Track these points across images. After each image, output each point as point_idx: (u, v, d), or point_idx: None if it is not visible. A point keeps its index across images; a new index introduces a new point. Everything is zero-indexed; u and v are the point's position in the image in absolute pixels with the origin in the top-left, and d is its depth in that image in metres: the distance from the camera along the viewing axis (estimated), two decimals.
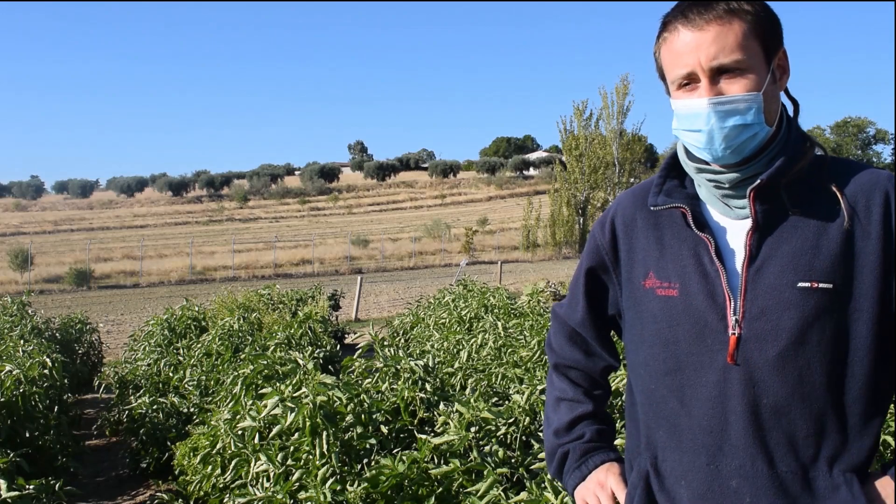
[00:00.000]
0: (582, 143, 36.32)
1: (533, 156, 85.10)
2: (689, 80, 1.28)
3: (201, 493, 3.89)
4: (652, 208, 1.38)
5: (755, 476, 1.22)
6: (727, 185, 1.30)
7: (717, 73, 1.25)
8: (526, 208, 37.11)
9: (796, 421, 1.21)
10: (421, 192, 72.06)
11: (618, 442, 1.82)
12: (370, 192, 72.37)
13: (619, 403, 3.17)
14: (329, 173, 77.94)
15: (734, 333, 1.25)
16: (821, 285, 1.22)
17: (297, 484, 2.89)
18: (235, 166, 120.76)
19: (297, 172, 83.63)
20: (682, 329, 1.30)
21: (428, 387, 3.45)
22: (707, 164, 1.33)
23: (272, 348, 5.33)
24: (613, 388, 3.03)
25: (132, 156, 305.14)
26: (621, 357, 2.14)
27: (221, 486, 3.64)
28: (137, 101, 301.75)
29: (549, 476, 2.41)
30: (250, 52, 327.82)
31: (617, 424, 2.55)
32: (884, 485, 1.21)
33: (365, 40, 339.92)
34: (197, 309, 8.56)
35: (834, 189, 1.26)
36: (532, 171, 78.40)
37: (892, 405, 2.71)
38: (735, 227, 1.31)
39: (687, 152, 1.37)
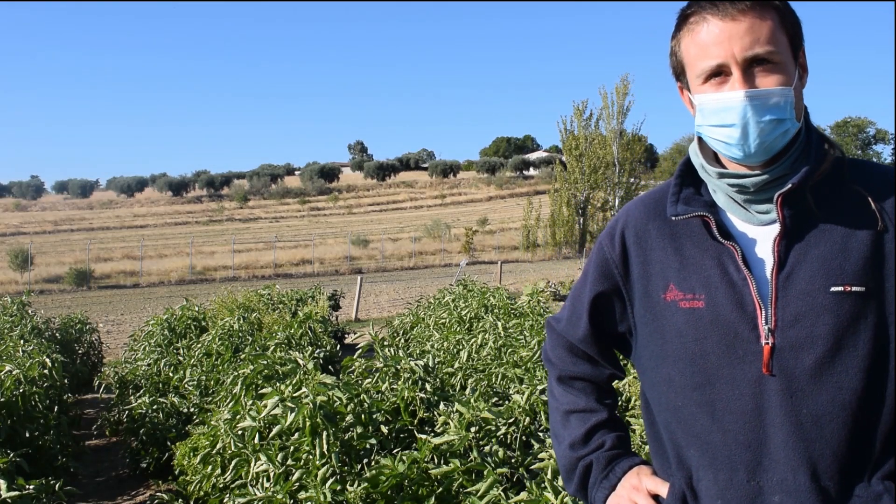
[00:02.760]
0: (582, 143, 36.34)
1: (533, 156, 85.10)
2: (719, 73, 1.22)
3: (201, 493, 3.89)
4: (673, 218, 1.32)
5: (798, 490, 1.17)
6: (752, 189, 1.25)
7: (750, 66, 1.20)
8: (526, 208, 37.12)
9: (838, 430, 1.17)
10: (421, 192, 72.06)
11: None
12: (370, 192, 72.36)
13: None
14: (329, 173, 77.94)
15: (768, 343, 1.20)
16: (853, 289, 1.18)
17: (297, 484, 2.89)
18: (235, 166, 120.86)
19: (297, 172, 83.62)
20: (710, 342, 1.24)
21: (428, 387, 3.45)
22: (725, 168, 1.29)
23: (272, 348, 5.34)
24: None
25: (132, 156, 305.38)
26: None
27: (221, 486, 3.64)
28: (137, 101, 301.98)
29: (548, 476, 2.41)
30: (250, 52, 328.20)
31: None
32: None
33: (365, 40, 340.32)
34: (197, 309, 8.56)
35: (861, 191, 1.23)
36: (532, 171, 78.38)
37: None
38: (758, 233, 1.27)
39: (705, 157, 1.32)
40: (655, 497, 1.32)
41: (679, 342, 1.28)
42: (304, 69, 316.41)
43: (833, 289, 1.18)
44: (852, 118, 60.36)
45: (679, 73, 1.32)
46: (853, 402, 1.17)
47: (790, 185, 1.21)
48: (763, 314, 1.21)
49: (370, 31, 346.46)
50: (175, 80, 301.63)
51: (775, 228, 1.24)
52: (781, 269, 1.22)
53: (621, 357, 1.53)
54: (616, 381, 1.55)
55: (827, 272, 1.20)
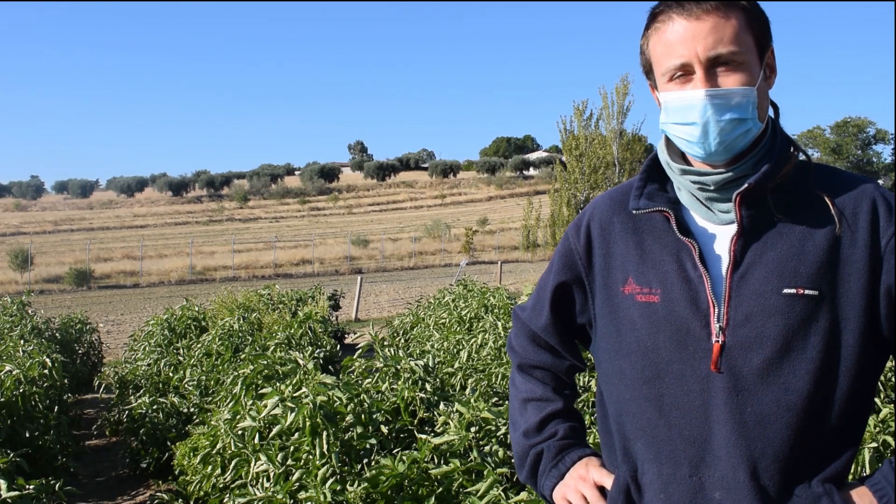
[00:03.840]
0: (582, 143, 36.24)
1: (533, 156, 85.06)
2: (683, 72, 1.24)
3: (201, 493, 3.89)
4: (634, 212, 1.33)
5: (737, 487, 1.19)
6: (712, 188, 1.26)
7: (713, 65, 1.22)
8: (526, 208, 36.99)
9: (780, 430, 1.18)
10: (421, 192, 72.04)
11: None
12: (370, 192, 72.34)
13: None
14: (329, 173, 77.90)
15: (718, 341, 1.21)
16: (806, 292, 1.19)
17: (297, 484, 2.89)
18: (235, 166, 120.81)
19: (297, 172, 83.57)
20: (663, 336, 1.25)
21: (428, 387, 3.45)
22: (690, 165, 1.30)
23: (272, 348, 5.34)
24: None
25: (132, 156, 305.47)
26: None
27: (221, 486, 3.64)
28: (137, 101, 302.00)
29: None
30: (250, 52, 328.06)
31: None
32: (860, 494, 1.19)
33: (365, 40, 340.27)
34: (197, 309, 8.56)
35: (822, 195, 1.24)
36: (532, 171, 78.34)
37: (893, 403, 2.72)
38: (718, 232, 1.28)
39: (670, 154, 1.33)
40: (601, 488, 1.34)
41: (633, 335, 1.29)
42: (304, 69, 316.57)
43: (785, 291, 1.20)
44: (852, 118, 60.30)
45: (648, 71, 1.33)
46: (798, 404, 1.18)
47: (747, 185, 1.22)
48: (716, 312, 1.23)
49: (370, 31, 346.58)
50: (175, 80, 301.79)
51: (734, 227, 1.25)
52: (737, 268, 1.23)
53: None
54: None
55: (781, 274, 1.21)
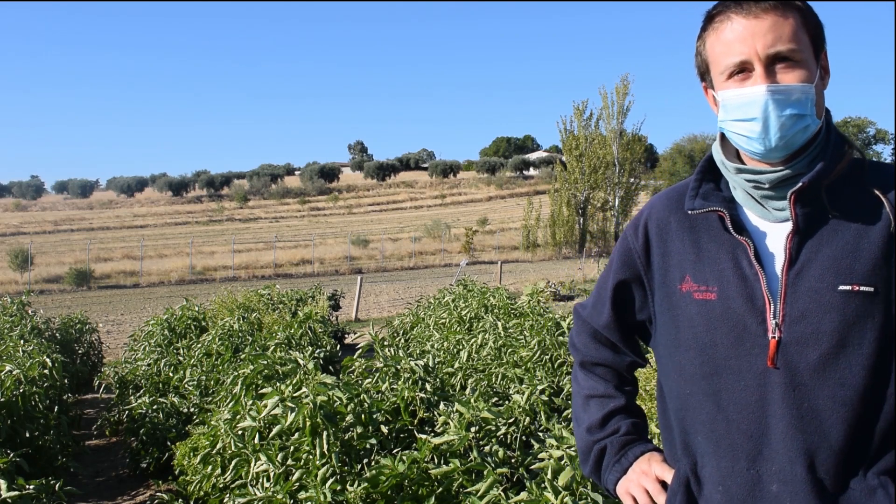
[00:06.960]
0: (582, 143, 36.40)
1: (533, 156, 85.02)
2: (742, 69, 1.26)
3: (201, 493, 3.89)
4: (689, 212, 1.36)
5: (794, 480, 1.20)
6: (767, 186, 1.28)
7: (773, 62, 1.24)
8: (526, 208, 37.13)
9: (836, 425, 1.19)
10: (421, 192, 72.00)
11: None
12: (370, 192, 72.30)
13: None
14: (329, 173, 77.86)
15: (774, 337, 1.23)
16: (862, 288, 1.20)
17: (297, 484, 2.89)
18: (235, 166, 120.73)
19: (297, 172, 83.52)
20: (720, 333, 1.28)
21: (428, 387, 3.45)
22: (744, 164, 1.32)
23: (272, 348, 5.34)
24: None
25: (132, 156, 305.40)
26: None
27: (221, 486, 3.64)
28: (137, 101, 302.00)
29: (548, 476, 2.41)
30: (250, 52, 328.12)
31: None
32: None
33: (365, 40, 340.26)
34: (197, 309, 8.56)
35: (876, 192, 1.25)
36: (532, 171, 78.32)
37: None
38: (773, 230, 1.30)
39: (725, 154, 1.35)
40: (663, 483, 1.37)
41: (691, 332, 1.31)
42: (304, 69, 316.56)
43: (841, 287, 1.21)
44: (852, 118, 60.30)
45: (703, 72, 1.36)
46: (854, 399, 1.20)
47: (801, 184, 1.24)
48: (772, 309, 1.25)
49: (370, 31, 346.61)
50: (175, 80, 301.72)
51: (789, 225, 1.27)
52: (792, 265, 1.25)
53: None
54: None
55: (836, 271, 1.22)
